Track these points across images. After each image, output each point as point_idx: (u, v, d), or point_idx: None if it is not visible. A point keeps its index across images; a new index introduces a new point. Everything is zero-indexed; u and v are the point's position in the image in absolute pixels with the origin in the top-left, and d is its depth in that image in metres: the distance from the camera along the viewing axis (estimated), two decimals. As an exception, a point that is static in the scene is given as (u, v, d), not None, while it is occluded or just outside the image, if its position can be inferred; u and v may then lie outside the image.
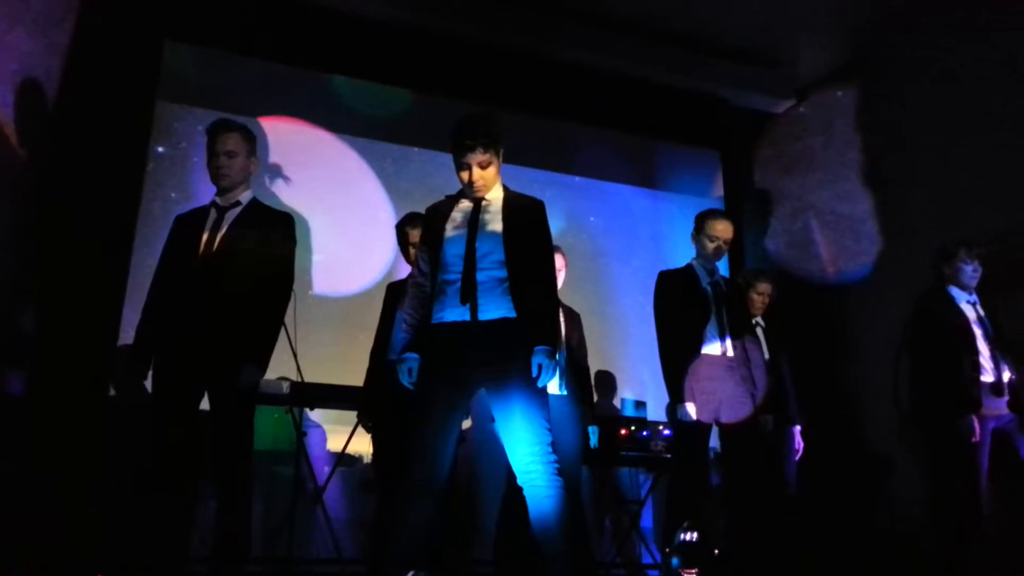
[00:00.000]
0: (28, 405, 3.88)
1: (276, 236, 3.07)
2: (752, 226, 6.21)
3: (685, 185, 6.34)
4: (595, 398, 4.61)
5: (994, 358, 3.70)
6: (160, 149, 4.84)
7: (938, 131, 5.22)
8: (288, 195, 5.00)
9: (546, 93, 5.72)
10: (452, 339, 2.63)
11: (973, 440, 3.54)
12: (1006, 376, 3.68)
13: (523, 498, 2.57)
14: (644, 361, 4.84)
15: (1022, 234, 4.49)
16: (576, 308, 4.03)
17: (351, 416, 4.00)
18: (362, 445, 4.28)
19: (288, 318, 3.21)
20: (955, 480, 3.61)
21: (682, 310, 3.69)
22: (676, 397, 3.58)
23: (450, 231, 2.73)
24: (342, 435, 4.39)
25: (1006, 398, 3.66)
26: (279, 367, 3.78)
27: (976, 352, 3.68)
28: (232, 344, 2.87)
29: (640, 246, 5.97)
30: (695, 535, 2.61)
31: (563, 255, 3.91)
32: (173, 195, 4.80)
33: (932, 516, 3.80)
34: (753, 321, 4.30)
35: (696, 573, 2.58)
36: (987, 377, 3.65)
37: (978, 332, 3.73)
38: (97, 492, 3.84)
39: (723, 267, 3.98)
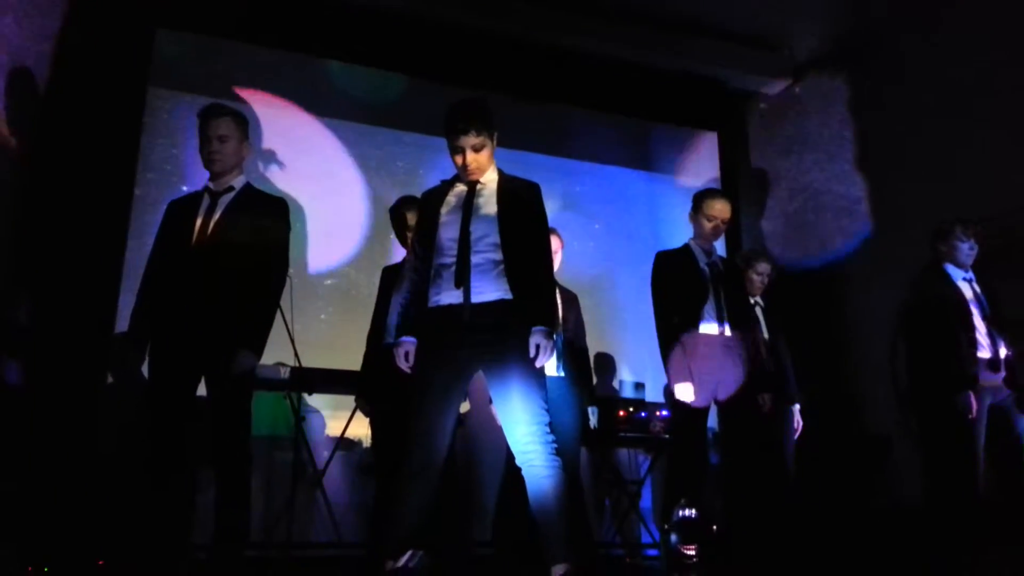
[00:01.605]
0: (25, 394, 3.88)
1: (270, 221, 3.05)
2: (749, 207, 6.20)
3: (682, 166, 6.32)
4: (594, 379, 4.62)
5: (991, 335, 3.70)
6: (152, 136, 4.81)
7: (935, 112, 5.21)
8: (283, 180, 4.98)
9: (541, 77, 5.71)
10: (448, 322, 2.63)
11: (970, 416, 3.55)
12: (1003, 352, 3.69)
13: (522, 479, 2.58)
14: (643, 342, 4.83)
15: (1017, 212, 4.49)
16: (573, 290, 4.03)
17: (349, 400, 4.01)
18: (361, 429, 4.30)
19: (284, 303, 3.20)
20: (953, 456, 3.62)
21: (680, 290, 3.70)
22: (674, 378, 3.59)
23: (445, 215, 2.73)
24: (341, 420, 4.39)
25: (1003, 374, 3.67)
26: (277, 352, 3.78)
27: (973, 329, 3.68)
28: (228, 330, 2.86)
29: (637, 227, 5.96)
30: (693, 512, 2.62)
31: (559, 237, 3.91)
32: (166, 182, 4.77)
33: (930, 493, 3.81)
34: (752, 301, 4.30)
35: (694, 550, 2.59)
36: (984, 353, 3.66)
37: (975, 309, 3.74)
38: (96, 479, 3.85)
39: (719, 247, 3.98)
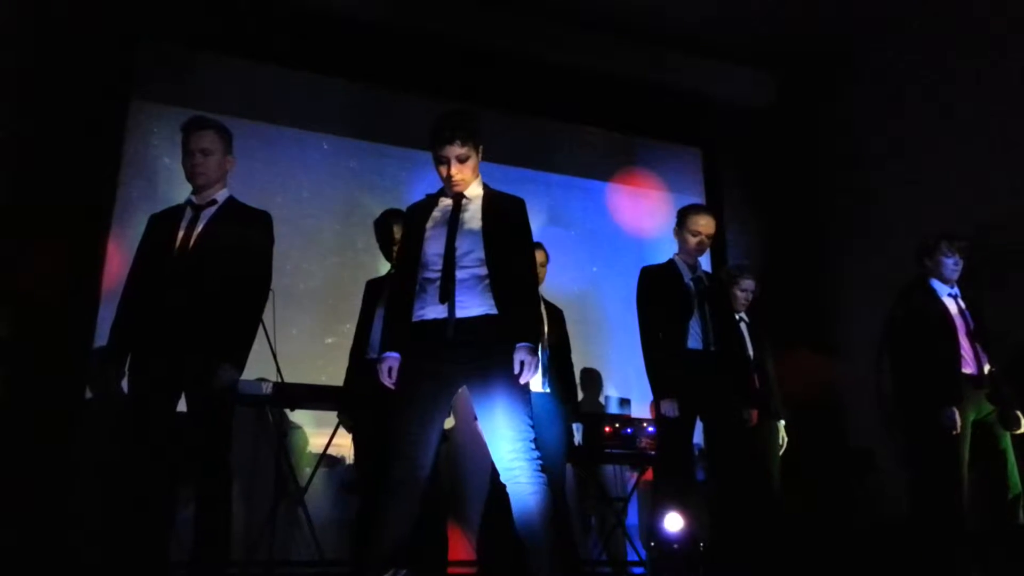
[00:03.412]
0: (2, 409, 3.82)
1: (253, 234, 3.02)
2: (733, 222, 6.22)
3: (667, 182, 6.34)
4: (579, 395, 4.59)
5: (975, 350, 3.71)
6: (134, 148, 4.77)
7: (920, 127, 5.26)
8: (266, 194, 4.94)
9: (527, 91, 5.71)
10: (433, 337, 2.61)
11: (954, 432, 3.55)
12: (987, 368, 3.70)
13: (507, 496, 2.55)
14: (628, 358, 4.82)
15: (1003, 228, 4.52)
16: (558, 305, 4.02)
17: (332, 416, 3.96)
18: (344, 445, 4.25)
19: (267, 318, 3.16)
20: (936, 472, 3.61)
21: (664, 305, 3.69)
22: (659, 393, 3.57)
23: (430, 229, 2.71)
24: (323, 436, 4.35)
25: (987, 390, 3.67)
26: (259, 368, 3.74)
27: (957, 344, 3.69)
28: (208, 344, 2.82)
29: (622, 242, 5.96)
30: (680, 530, 2.61)
31: (544, 252, 3.90)
32: (147, 195, 4.73)
33: (914, 508, 3.81)
34: (736, 317, 4.30)
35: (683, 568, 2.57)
36: (968, 369, 3.66)
37: (959, 325, 3.74)
38: (74, 496, 3.79)
39: (704, 263, 3.98)
